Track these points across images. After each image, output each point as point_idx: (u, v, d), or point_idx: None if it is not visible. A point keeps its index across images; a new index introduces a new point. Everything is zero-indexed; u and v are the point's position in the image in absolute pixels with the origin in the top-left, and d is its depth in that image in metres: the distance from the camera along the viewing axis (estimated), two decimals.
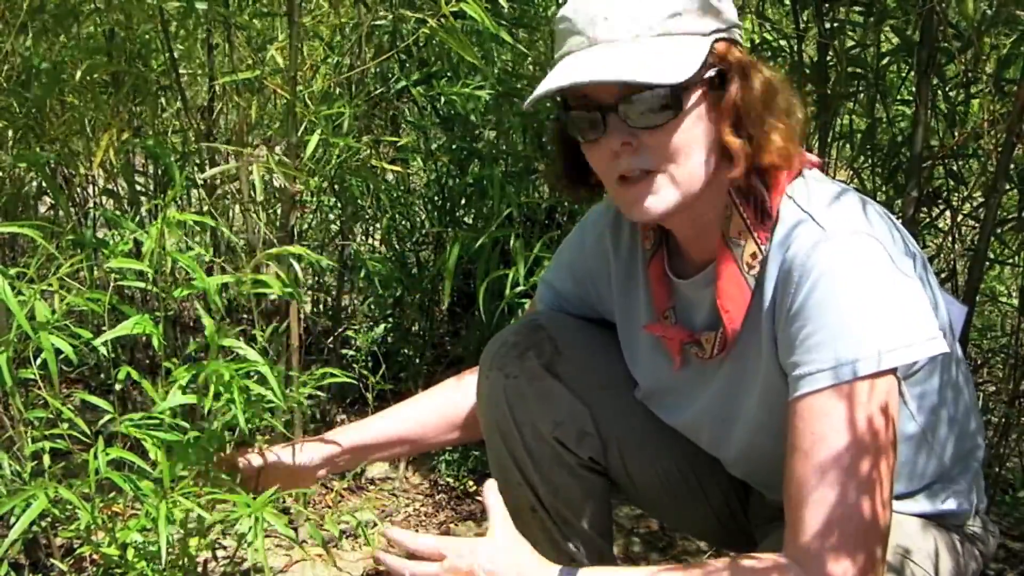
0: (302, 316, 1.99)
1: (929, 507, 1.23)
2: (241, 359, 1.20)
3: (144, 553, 1.20)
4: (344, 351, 2.28)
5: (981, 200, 1.94)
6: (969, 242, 2.12)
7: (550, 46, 2.13)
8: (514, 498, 1.41)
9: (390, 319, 2.44)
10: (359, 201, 2.33)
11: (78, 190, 2.23)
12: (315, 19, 1.93)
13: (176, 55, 2.02)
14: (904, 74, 2.12)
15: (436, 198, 2.39)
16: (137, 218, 1.97)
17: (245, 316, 2.54)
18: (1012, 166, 1.75)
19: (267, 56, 1.62)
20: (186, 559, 1.24)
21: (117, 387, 1.24)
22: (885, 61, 1.96)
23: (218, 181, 1.98)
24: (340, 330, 2.26)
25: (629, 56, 1.06)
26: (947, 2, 1.69)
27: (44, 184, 1.90)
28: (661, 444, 1.39)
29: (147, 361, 2.25)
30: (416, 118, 2.42)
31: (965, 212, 2.04)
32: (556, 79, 1.09)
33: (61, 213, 1.88)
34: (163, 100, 2.24)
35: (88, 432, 1.18)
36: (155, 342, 1.17)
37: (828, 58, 1.96)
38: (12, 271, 1.13)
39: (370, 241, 2.71)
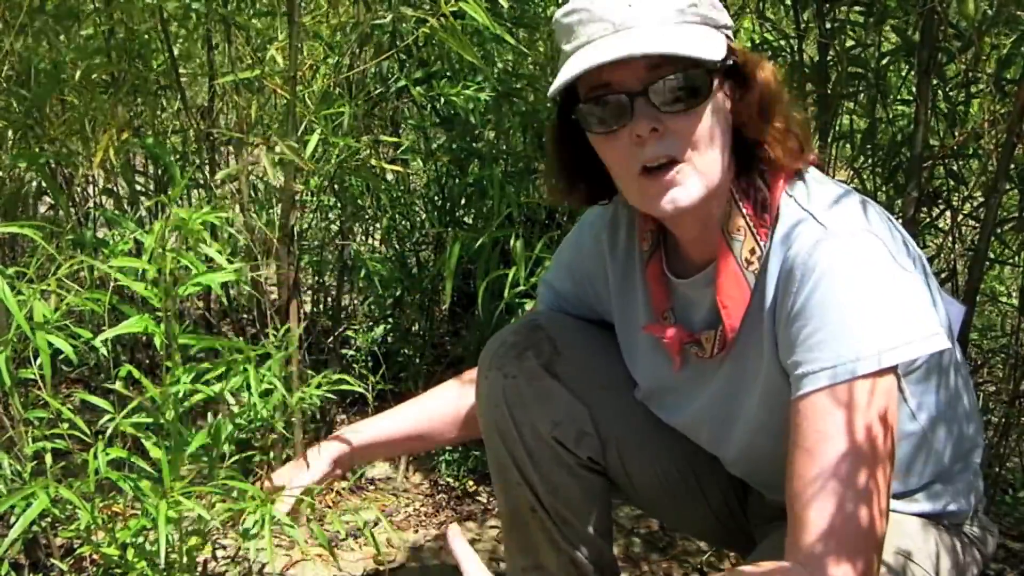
0: (302, 316, 1.99)
1: (929, 506, 1.23)
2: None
3: (144, 553, 1.20)
4: (344, 351, 2.28)
5: (981, 200, 1.94)
6: (969, 242, 2.12)
7: (550, 46, 2.13)
8: (513, 498, 1.41)
9: (390, 319, 2.44)
10: (359, 201, 2.33)
11: (78, 190, 2.23)
12: (315, 19, 1.93)
13: (176, 55, 2.02)
14: (904, 74, 2.12)
15: (436, 198, 2.39)
16: (136, 217, 1.97)
17: (245, 316, 2.54)
18: (1012, 166, 1.75)
19: (267, 56, 1.62)
20: (186, 559, 1.24)
21: (117, 386, 1.23)
22: (885, 61, 1.96)
23: (218, 181, 1.97)
24: (340, 330, 2.26)
25: (661, 36, 1.07)
26: (948, 2, 1.69)
27: (44, 184, 1.90)
28: (660, 444, 1.39)
29: (147, 361, 2.25)
30: (416, 118, 2.42)
31: (965, 212, 2.04)
32: (593, 57, 1.06)
33: (61, 213, 1.88)
34: (163, 100, 2.25)
35: (88, 432, 1.18)
36: (156, 341, 1.17)
37: (828, 58, 1.96)
38: (11, 271, 1.13)
39: (370, 241, 2.71)
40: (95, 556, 1.30)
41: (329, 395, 1.41)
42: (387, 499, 2.09)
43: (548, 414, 1.36)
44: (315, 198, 2.31)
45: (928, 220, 2.05)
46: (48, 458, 1.21)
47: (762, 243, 1.14)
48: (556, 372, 1.37)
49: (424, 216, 2.47)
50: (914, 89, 1.83)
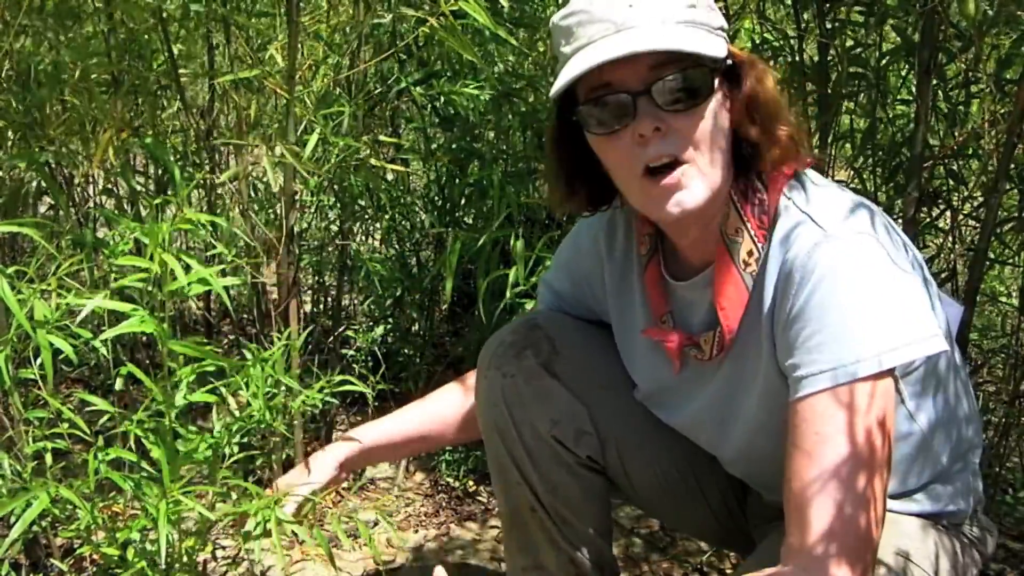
0: (302, 316, 1.99)
1: (928, 506, 1.23)
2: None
3: (144, 553, 1.20)
4: (344, 351, 2.28)
5: (981, 200, 1.94)
6: (969, 242, 2.12)
7: (549, 46, 2.13)
8: (513, 498, 1.41)
9: (390, 319, 2.44)
10: (359, 201, 2.33)
11: (78, 190, 2.23)
12: (314, 19, 1.93)
13: (176, 55, 2.02)
14: (904, 74, 2.12)
15: (436, 198, 2.39)
16: (136, 216, 1.97)
17: (245, 316, 2.54)
18: (1012, 166, 1.75)
19: (267, 56, 1.62)
20: (186, 559, 1.24)
21: (118, 386, 1.23)
22: (885, 61, 1.96)
23: (218, 180, 1.98)
24: (340, 330, 2.26)
25: (664, 35, 1.07)
26: (948, 2, 1.69)
27: (44, 184, 1.90)
28: (660, 444, 1.39)
29: (147, 361, 2.24)
30: (416, 118, 2.42)
31: (965, 212, 2.04)
32: (596, 56, 1.06)
33: (61, 213, 1.88)
34: (163, 100, 2.25)
35: (88, 432, 1.18)
36: (158, 341, 1.17)
37: (829, 58, 1.96)
38: (11, 270, 1.13)
39: (370, 241, 2.71)
40: (95, 556, 1.30)
41: (330, 398, 1.41)
42: (388, 499, 2.09)
43: (547, 413, 1.36)
44: (315, 198, 2.31)
45: (928, 220, 2.05)
46: (48, 458, 1.21)
47: (760, 245, 1.14)
48: (555, 371, 1.37)
49: (424, 216, 2.47)
50: (914, 89, 1.83)
